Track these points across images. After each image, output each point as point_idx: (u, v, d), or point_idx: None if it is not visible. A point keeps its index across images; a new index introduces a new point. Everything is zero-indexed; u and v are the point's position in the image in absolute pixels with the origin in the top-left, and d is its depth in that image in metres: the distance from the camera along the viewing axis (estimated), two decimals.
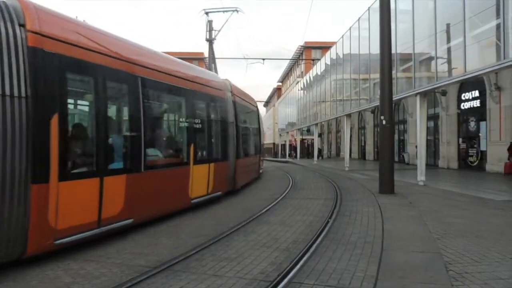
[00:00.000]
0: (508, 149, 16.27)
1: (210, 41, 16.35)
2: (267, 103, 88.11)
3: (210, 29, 18.72)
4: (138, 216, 6.82)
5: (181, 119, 9.31)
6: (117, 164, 6.57)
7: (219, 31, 17.10)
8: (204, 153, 10.06)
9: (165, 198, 7.85)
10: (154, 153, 7.86)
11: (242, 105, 14.34)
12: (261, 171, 19.78)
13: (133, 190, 6.64)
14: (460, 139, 20.83)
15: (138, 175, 6.87)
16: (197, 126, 9.72)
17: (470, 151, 20.15)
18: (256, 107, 18.99)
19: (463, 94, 20.18)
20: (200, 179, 9.38)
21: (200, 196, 9.38)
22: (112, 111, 6.91)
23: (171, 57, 9.29)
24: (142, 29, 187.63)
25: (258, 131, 18.69)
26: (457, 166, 20.84)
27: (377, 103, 16.10)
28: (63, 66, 5.42)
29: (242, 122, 14.21)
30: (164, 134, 8.92)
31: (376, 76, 16.98)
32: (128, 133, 6.97)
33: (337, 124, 41.54)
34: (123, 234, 6.52)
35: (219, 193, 10.59)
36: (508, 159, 16.41)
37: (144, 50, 7.98)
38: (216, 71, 16.71)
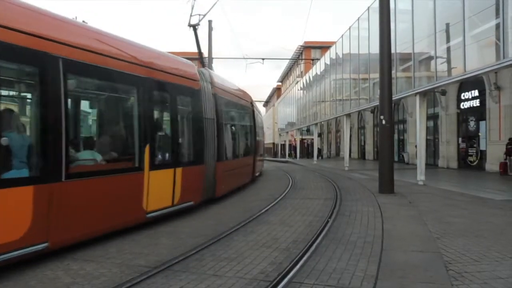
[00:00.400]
0: (507, 145, 16.23)
1: (194, 26, 14.28)
2: (266, 103, 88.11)
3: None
4: (57, 238, 5.35)
5: (130, 114, 7.49)
6: (18, 172, 5.08)
7: (204, 15, 15.05)
8: (167, 156, 8.30)
9: (103, 213, 6.29)
10: (86, 157, 6.36)
11: (227, 100, 12.35)
12: (257, 174, 17.87)
13: (48, 206, 5.19)
14: (460, 139, 20.84)
15: (57, 185, 5.33)
16: (156, 123, 8.07)
17: (469, 151, 20.16)
18: (250, 102, 16.81)
19: (462, 94, 20.19)
20: (161, 187, 7.74)
21: (161, 209, 7.71)
22: (7, 100, 5.59)
23: (116, 35, 7.30)
24: (142, 30, 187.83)
25: (252, 129, 16.54)
26: (456, 165, 20.85)
27: (376, 102, 16.11)
28: None
29: (227, 118, 12.39)
30: (103, 133, 7.43)
31: (375, 75, 16.99)
32: (39, 131, 5.35)
33: (337, 124, 41.55)
34: (122, 234, 6.52)
35: (190, 203, 8.83)
36: (505, 158, 16.37)
37: (72, 24, 6.22)
38: (202, 62, 14.65)
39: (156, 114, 8.04)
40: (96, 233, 6.13)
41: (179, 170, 8.33)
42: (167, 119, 8.48)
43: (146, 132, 7.40)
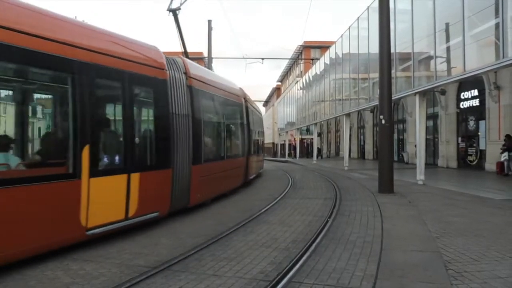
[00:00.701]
0: (504, 145, 16.18)
1: (174, 11, 12.34)
2: (266, 103, 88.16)
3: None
4: None
5: (62, 108, 6.15)
6: None
7: None
8: (118, 159, 6.83)
9: (15, 233, 4.89)
10: None
11: (209, 93, 10.73)
12: (252, 176, 16.25)
13: None
14: (459, 138, 20.84)
15: None
16: (101, 118, 6.67)
17: (469, 150, 20.16)
18: (243, 97, 15.09)
19: (462, 93, 20.19)
20: (108, 198, 6.34)
21: (109, 223, 6.30)
22: None
23: (44, 9, 5.74)
24: (142, 29, 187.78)
25: (245, 127, 14.80)
26: (456, 165, 20.85)
27: (376, 102, 16.12)
28: None
29: (209, 115, 10.97)
30: (23, 132, 5.92)
31: (375, 75, 17.00)
32: None
33: (337, 123, 41.55)
34: (122, 234, 6.52)
35: (154, 214, 7.43)
36: (501, 158, 16.30)
37: None
38: (186, 53, 12.63)
39: (100, 108, 6.66)
40: (5, 261, 4.78)
41: (135, 176, 6.87)
42: (117, 115, 7.10)
43: (84, 130, 5.92)
